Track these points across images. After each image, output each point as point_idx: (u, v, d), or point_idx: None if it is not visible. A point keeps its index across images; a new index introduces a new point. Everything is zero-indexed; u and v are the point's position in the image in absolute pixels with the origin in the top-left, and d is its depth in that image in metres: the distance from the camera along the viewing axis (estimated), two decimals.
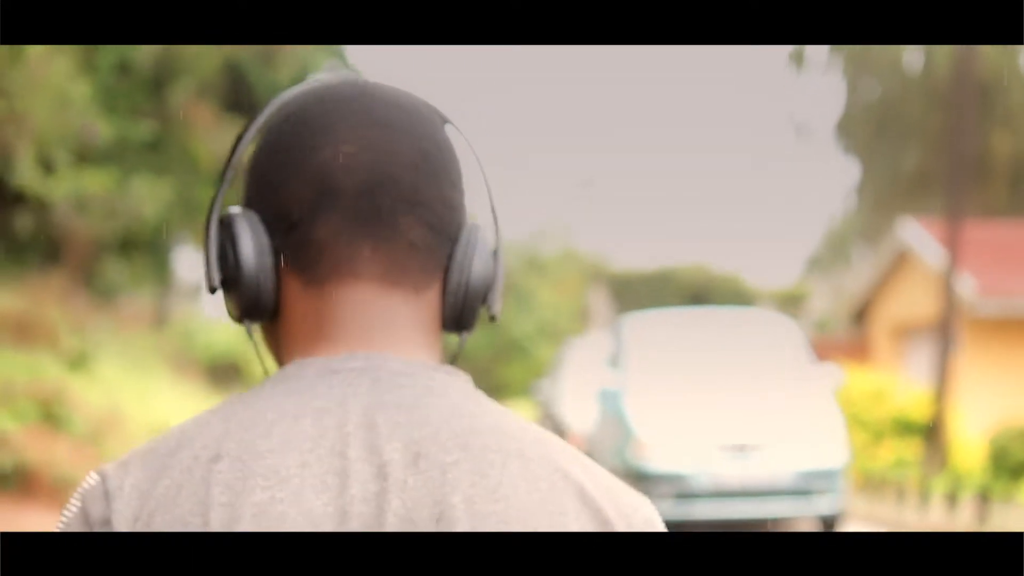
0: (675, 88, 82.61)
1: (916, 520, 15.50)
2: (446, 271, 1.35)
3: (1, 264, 15.82)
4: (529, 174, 66.12)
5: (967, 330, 22.60)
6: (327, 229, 1.32)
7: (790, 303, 35.00)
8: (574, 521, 1.25)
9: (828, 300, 37.39)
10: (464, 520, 1.22)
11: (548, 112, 73.89)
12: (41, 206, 14.01)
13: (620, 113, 77.64)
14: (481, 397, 1.32)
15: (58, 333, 14.01)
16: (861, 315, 27.21)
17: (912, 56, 32.82)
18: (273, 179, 1.35)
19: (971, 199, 23.30)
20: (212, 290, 1.36)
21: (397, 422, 1.26)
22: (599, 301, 39.37)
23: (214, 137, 17.55)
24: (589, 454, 14.39)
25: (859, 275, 32.13)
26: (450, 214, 1.35)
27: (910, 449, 20.30)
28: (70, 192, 12.99)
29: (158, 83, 17.48)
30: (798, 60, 33.68)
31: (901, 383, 22.11)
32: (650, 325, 14.71)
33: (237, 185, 1.40)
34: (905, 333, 25.55)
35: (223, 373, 21.13)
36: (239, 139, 1.38)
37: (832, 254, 38.55)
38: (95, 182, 13.15)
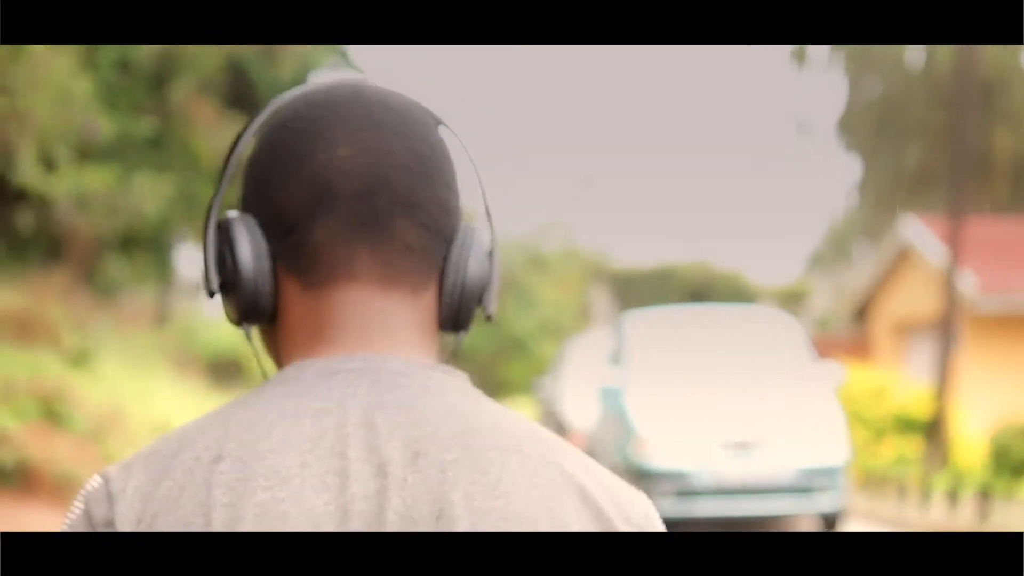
0: (676, 88, 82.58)
1: (917, 518, 15.50)
2: (442, 272, 1.36)
3: (2, 261, 15.83)
4: (530, 174, 66.10)
5: (968, 327, 22.60)
6: (324, 232, 1.33)
7: (791, 300, 34.99)
8: (573, 517, 1.26)
9: (829, 297, 37.38)
10: (464, 517, 1.23)
11: (549, 112, 73.88)
12: (42, 203, 14.02)
13: (621, 113, 77.62)
14: (479, 396, 1.33)
15: (59, 330, 14.01)
16: (862, 312, 27.21)
17: (914, 54, 32.82)
18: (270, 183, 1.36)
19: (972, 196, 23.30)
20: (211, 294, 1.37)
21: (397, 421, 1.27)
22: (600, 298, 39.38)
23: (215, 134, 17.55)
24: (590, 452, 14.44)
25: (860, 272, 32.14)
26: (445, 216, 1.36)
27: (911, 446, 20.30)
28: (71, 189, 12.99)
29: (159, 80, 17.49)
30: (800, 58, 33.69)
31: (902, 380, 22.11)
32: (651, 322, 14.71)
33: (235, 187, 1.41)
34: (906, 330, 25.55)
35: (224, 371, 21.12)
36: (235, 143, 1.39)
37: (833, 251, 38.54)
38: (96, 179, 13.15)
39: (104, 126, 13.37)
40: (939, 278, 21.05)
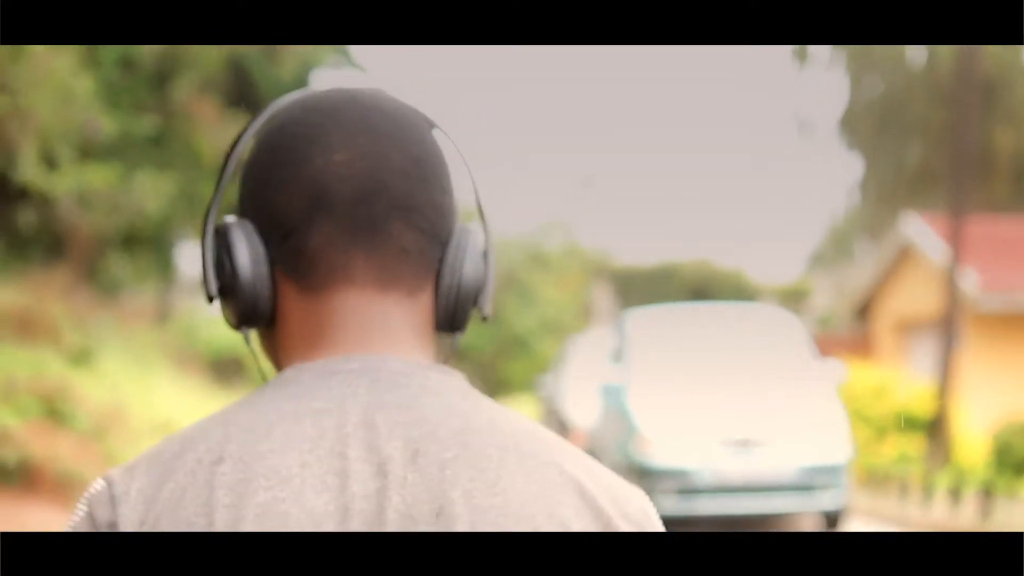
0: (677, 88, 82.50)
1: (919, 516, 15.50)
2: (438, 274, 1.38)
3: (4, 260, 15.83)
4: (530, 174, 66.05)
5: (970, 325, 22.60)
6: (322, 237, 1.34)
7: (793, 299, 34.96)
8: (572, 514, 1.27)
9: (831, 296, 37.34)
10: (464, 515, 1.24)
11: (549, 112, 73.78)
12: (44, 202, 14.02)
13: (621, 113, 77.53)
14: (477, 395, 1.34)
15: (61, 329, 14.03)
16: (864, 311, 27.20)
17: (915, 52, 32.81)
18: (267, 188, 1.37)
19: (974, 194, 23.30)
20: (210, 299, 1.38)
21: (396, 421, 1.28)
22: (602, 297, 39.36)
23: (217, 132, 17.55)
24: (592, 450, 14.45)
25: (862, 271, 32.13)
26: (441, 218, 1.38)
27: (913, 445, 20.29)
28: (73, 188, 13.00)
29: (161, 78, 17.49)
30: (801, 57, 33.67)
31: (904, 379, 22.10)
32: (653, 321, 14.71)
33: (233, 191, 1.42)
34: (908, 329, 25.55)
35: (226, 369, 21.12)
36: (232, 147, 1.40)
37: (835, 250, 38.50)
38: (98, 177, 13.16)
39: (106, 124, 13.38)
40: (940, 276, 21.05)
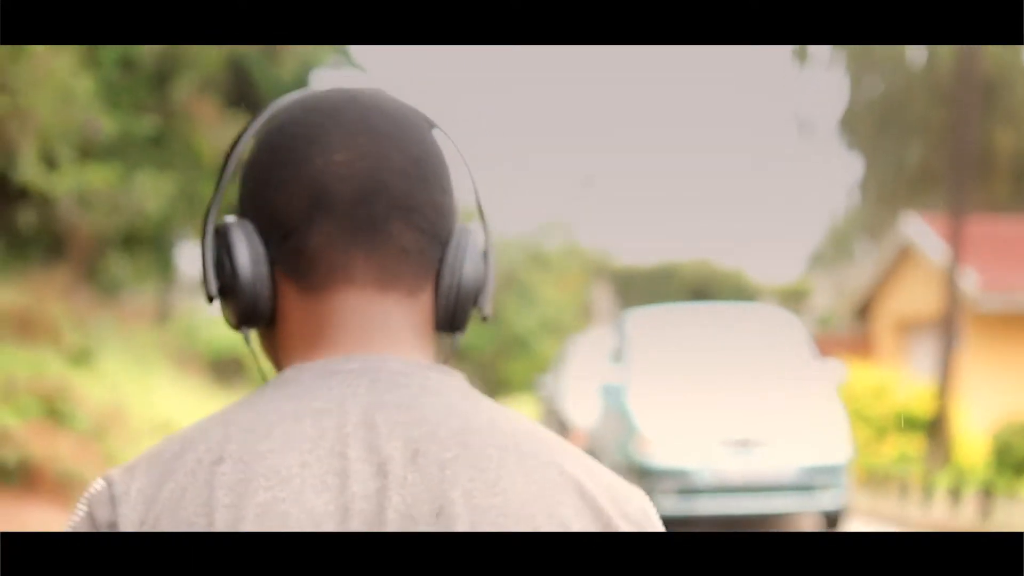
0: (677, 88, 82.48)
1: (919, 516, 15.50)
2: (438, 274, 1.38)
3: (4, 260, 15.83)
4: (530, 174, 66.03)
5: (970, 325, 22.60)
6: (322, 237, 1.34)
7: (793, 299, 34.96)
8: (572, 514, 1.27)
9: (831, 296, 37.33)
10: (464, 515, 1.24)
11: (549, 112, 73.75)
12: (44, 202, 14.02)
13: (621, 113, 77.50)
14: (477, 395, 1.34)
15: (61, 329, 14.03)
16: (864, 311, 27.20)
17: (915, 52, 32.81)
18: (267, 188, 1.37)
19: (974, 195, 23.30)
20: (210, 299, 1.39)
21: (396, 421, 1.28)
22: (602, 297, 39.36)
23: (217, 132, 17.55)
24: (592, 450, 14.44)
25: (862, 271, 32.13)
26: (441, 218, 1.38)
27: (913, 445, 20.29)
28: (73, 188, 13.00)
29: (161, 78, 17.49)
30: (801, 57, 33.67)
31: (904, 379, 22.10)
32: (653, 321, 14.71)
33: (233, 191, 1.42)
34: (908, 329, 25.55)
35: (226, 369, 21.12)
36: (232, 147, 1.40)
37: (835, 250, 38.50)
38: (98, 177, 13.16)
39: (106, 124, 13.38)
40: (940, 276, 21.04)
